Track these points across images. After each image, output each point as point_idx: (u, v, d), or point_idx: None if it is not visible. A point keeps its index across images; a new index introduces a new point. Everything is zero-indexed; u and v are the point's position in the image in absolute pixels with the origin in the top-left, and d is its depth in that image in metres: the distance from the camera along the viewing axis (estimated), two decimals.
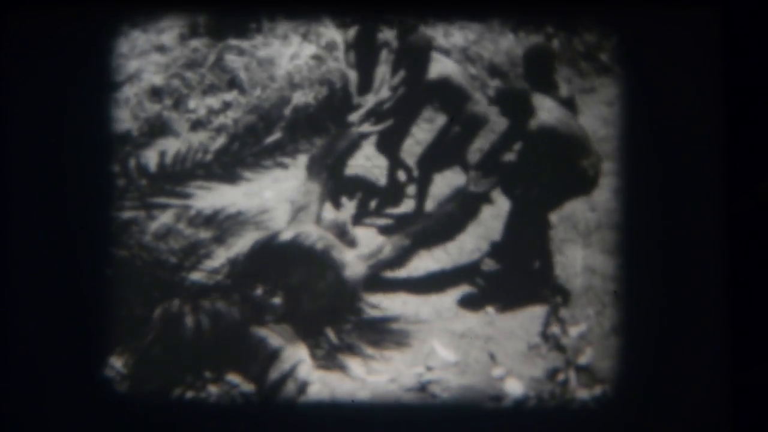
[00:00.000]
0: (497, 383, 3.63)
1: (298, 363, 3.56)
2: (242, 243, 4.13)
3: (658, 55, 3.49)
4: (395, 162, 4.99)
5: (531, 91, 3.98)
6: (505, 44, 5.88)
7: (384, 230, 4.70)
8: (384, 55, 4.90)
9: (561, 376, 3.61)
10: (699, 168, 3.43)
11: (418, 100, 4.73)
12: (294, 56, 5.79)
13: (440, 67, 4.57)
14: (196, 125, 5.41)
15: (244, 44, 5.76)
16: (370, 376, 3.67)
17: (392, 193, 5.02)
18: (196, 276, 3.90)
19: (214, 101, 5.54)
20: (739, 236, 3.39)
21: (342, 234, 4.29)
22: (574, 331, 3.81)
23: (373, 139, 4.94)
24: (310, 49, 5.87)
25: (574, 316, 3.91)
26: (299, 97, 5.61)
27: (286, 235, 4.05)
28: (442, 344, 3.83)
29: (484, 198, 4.33)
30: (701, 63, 3.44)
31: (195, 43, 5.71)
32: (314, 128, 5.57)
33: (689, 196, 3.44)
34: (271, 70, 5.68)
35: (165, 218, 4.08)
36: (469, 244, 4.55)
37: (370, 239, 4.51)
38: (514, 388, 3.60)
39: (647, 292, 3.46)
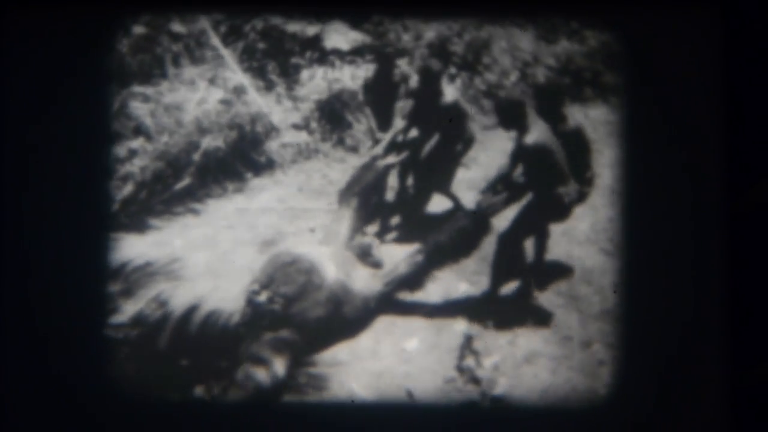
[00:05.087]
0: None
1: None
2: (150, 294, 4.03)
3: (658, 55, 3.53)
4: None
5: (526, 104, 4.04)
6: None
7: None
8: (402, 90, 4.94)
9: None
10: (699, 168, 3.47)
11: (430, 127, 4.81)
12: (201, 101, 5.75)
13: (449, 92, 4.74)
14: None
15: (149, 91, 5.67)
16: None
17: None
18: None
19: (119, 149, 5.42)
20: (739, 236, 3.42)
21: (365, 255, 4.40)
22: (488, 362, 3.89)
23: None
24: (217, 94, 5.84)
25: (488, 348, 3.99)
26: (208, 142, 5.56)
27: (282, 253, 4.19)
28: (360, 385, 3.83)
29: (489, 218, 4.35)
30: (701, 63, 3.48)
31: None
32: (225, 173, 5.53)
33: (689, 196, 3.48)
34: (178, 116, 5.61)
35: None
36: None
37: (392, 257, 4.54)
38: None
39: (647, 292, 3.50)
